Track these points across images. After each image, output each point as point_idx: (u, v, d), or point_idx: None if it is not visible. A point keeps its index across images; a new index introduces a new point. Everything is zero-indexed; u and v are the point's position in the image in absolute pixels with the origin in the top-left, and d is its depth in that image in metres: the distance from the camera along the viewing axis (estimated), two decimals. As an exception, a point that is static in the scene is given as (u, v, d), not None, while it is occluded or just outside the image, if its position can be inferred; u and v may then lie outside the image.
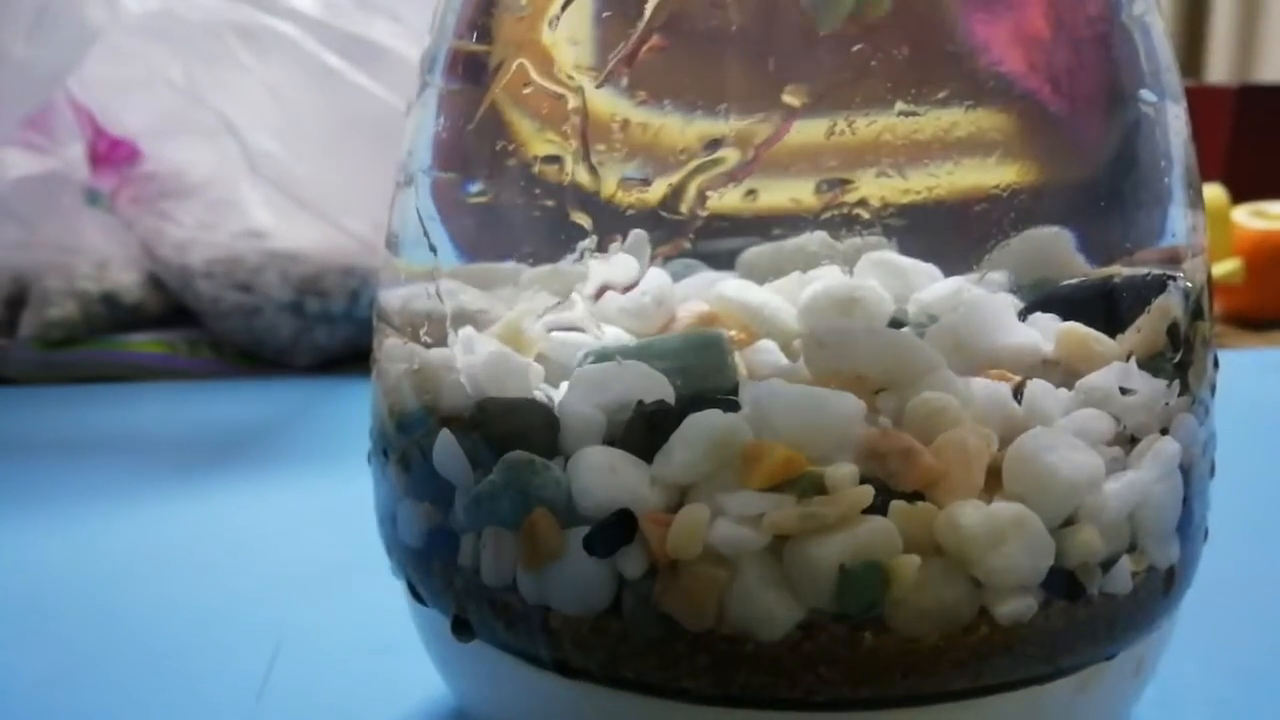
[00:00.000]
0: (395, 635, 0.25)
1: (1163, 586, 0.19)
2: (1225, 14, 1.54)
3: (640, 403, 0.18)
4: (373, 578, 0.24)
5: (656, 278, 0.21)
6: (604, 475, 0.18)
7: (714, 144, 0.18)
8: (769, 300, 0.21)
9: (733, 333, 0.20)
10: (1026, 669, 0.18)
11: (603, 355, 0.19)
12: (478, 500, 0.18)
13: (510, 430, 0.18)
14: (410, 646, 0.22)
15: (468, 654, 0.20)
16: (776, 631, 0.17)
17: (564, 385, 0.19)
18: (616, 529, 0.17)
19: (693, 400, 0.18)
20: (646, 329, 0.21)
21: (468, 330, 0.20)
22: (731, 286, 0.21)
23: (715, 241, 0.22)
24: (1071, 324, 0.19)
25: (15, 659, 0.27)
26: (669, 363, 0.19)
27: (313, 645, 0.27)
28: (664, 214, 0.19)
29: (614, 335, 0.21)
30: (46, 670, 0.27)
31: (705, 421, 0.17)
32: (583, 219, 0.19)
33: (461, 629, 0.20)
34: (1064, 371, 0.19)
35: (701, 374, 0.19)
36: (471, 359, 0.19)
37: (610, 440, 0.18)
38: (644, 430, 0.18)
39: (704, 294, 0.22)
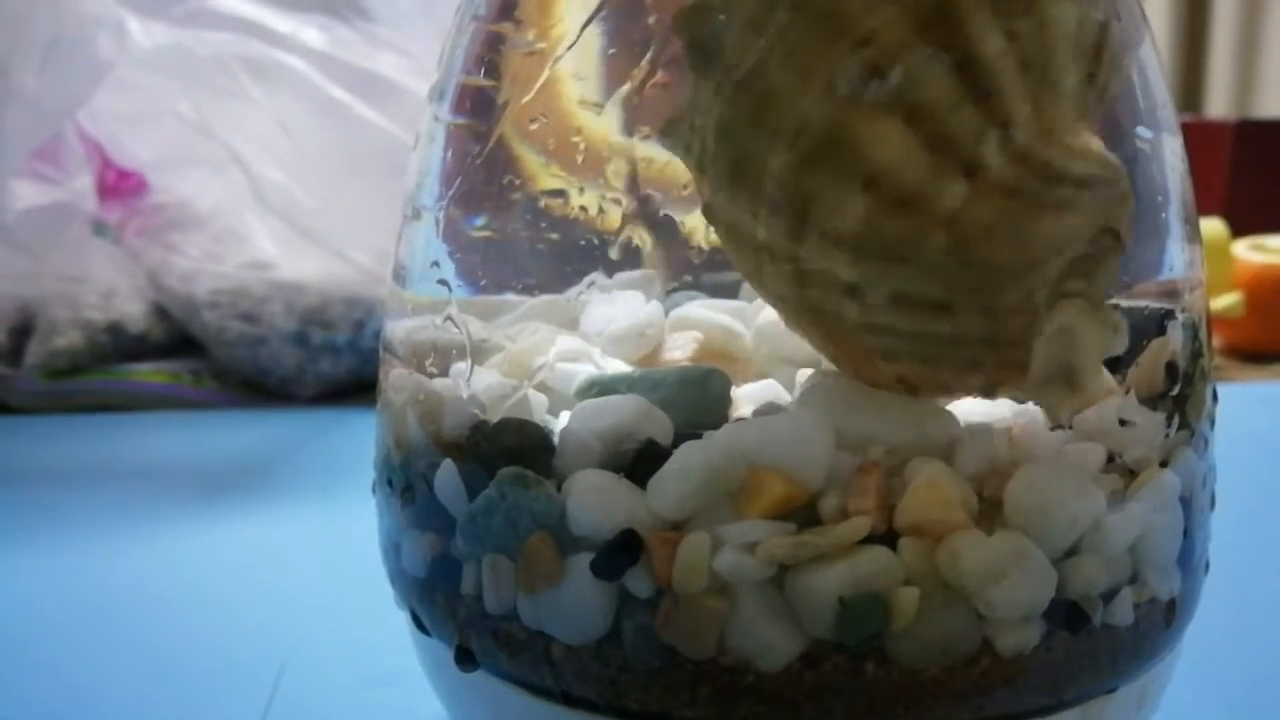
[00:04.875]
0: (398, 665, 0.25)
1: (1164, 618, 0.19)
2: (1224, 50, 1.55)
3: (651, 440, 0.18)
4: (375, 607, 0.24)
5: (646, 307, 0.21)
6: (600, 497, 0.18)
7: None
8: (731, 324, 0.21)
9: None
10: (1029, 701, 0.18)
11: (596, 384, 0.19)
12: (473, 518, 0.19)
13: (504, 449, 0.18)
14: (413, 677, 0.22)
15: (471, 684, 0.20)
16: (778, 662, 0.17)
17: (564, 415, 0.19)
18: (622, 551, 0.17)
19: (684, 434, 0.18)
20: (632, 356, 0.21)
21: (470, 361, 0.20)
22: (696, 308, 0.21)
23: (718, 274, 0.22)
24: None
25: (18, 687, 0.27)
26: (662, 394, 0.19)
27: (315, 675, 0.27)
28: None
29: (617, 368, 0.21)
30: (47, 699, 0.27)
31: (700, 454, 0.17)
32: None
33: (464, 659, 0.20)
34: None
35: (696, 408, 0.19)
36: (474, 389, 0.20)
37: (605, 468, 0.18)
38: (638, 460, 0.18)
39: (674, 319, 0.22)
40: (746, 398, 0.20)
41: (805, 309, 0.18)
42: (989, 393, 0.17)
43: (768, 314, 0.21)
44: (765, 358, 0.21)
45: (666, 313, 0.22)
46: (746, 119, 0.17)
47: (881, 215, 0.16)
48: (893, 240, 0.16)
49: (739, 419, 0.18)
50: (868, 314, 0.17)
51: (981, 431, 0.18)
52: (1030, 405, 0.19)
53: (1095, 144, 0.16)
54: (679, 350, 0.21)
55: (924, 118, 0.16)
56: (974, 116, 0.16)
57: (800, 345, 0.19)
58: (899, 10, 0.16)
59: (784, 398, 0.19)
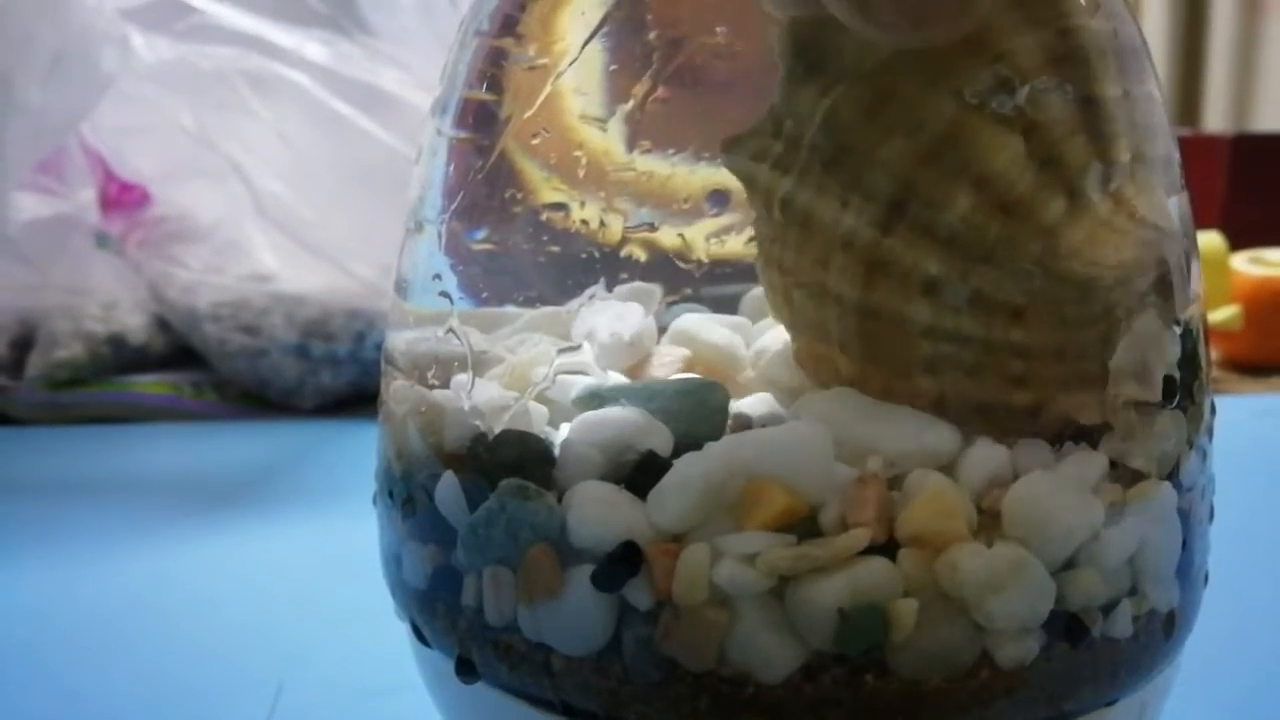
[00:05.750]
0: (398, 677, 0.25)
1: (1163, 630, 0.19)
2: (1221, 64, 1.56)
3: (651, 452, 0.18)
4: (376, 619, 0.24)
5: (636, 318, 0.22)
6: (600, 509, 0.18)
7: (717, 194, 0.19)
8: (727, 337, 0.21)
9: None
10: (1028, 713, 0.18)
11: (594, 395, 0.19)
12: (473, 529, 0.19)
13: (505, 461, 0.19)
14: (413, 689, 0.22)
15: (471, 696, 0.20)
16: (778, 674, 0.17)
17: (564, 427, 0.19)
18: (622, 563, 0.17)
19: (682, 446, 0.18)
20: (618, 366, 0.21)
21: (471, 373, 0.20)
22: (689, 322, 0.22)
23: (718, 286, 0.22)
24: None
25: (18, 700, 0.27)
26: (659, 404, 0.19)
27: (315, 686, 0.27)
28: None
29: (617, 379, 0.21)
30: (48, 711, 0.27)
31: (700, 466, 0.17)
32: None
33: (465, 670, 0.20)
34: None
35: (693, 420, 0.19)
36: (475, 401, 0.20)
37: (606, 479, 0.18)
38: (638, 472, 0.18)
39: (671, 332, 0.22)
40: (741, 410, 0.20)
41: (860, 313, 0.18)
42: (1033, 414, 0.18)
43: (770, 338, 0.21)
44: (753, 380, 0.21)
45: (665, 326, 0.22)
46: (862, 112, 0.17)
47: (984, 216, 0.17)
48: (991, 241, 0.17)
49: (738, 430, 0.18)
50: (938, 315, 0.17)
51: (981, 444, 0.18)
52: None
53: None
54: (663, 368, 0.21)
55: (1040, 137, 0.17)
56: (1085, 149, 0.17)
57: (795, 375, 0.19)
58: (1036, 41, 0.17)
59: (778, 410, 0.20)
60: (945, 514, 0.17)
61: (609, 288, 0.20)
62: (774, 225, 0.19)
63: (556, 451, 0.18)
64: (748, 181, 0.19)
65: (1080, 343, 0.18)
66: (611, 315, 0.21)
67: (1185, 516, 0.19)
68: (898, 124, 0.17)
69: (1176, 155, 0.20)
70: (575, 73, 0.19)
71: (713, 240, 0.20)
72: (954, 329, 0.17)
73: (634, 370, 0.22)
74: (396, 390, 0.22)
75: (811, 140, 0.18)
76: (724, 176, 0.19)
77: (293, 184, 0.56)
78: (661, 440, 0.18)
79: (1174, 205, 0.19)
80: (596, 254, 0.20)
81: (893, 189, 0.17)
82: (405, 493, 0.21)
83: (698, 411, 0.19)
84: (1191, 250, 0.20)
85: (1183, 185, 0.20)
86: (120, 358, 0.56)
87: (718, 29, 0.19)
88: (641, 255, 0.20)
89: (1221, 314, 0.60)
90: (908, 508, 0.17)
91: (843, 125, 0.18)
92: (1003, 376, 0.18)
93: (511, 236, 0.20)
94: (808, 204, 0.18)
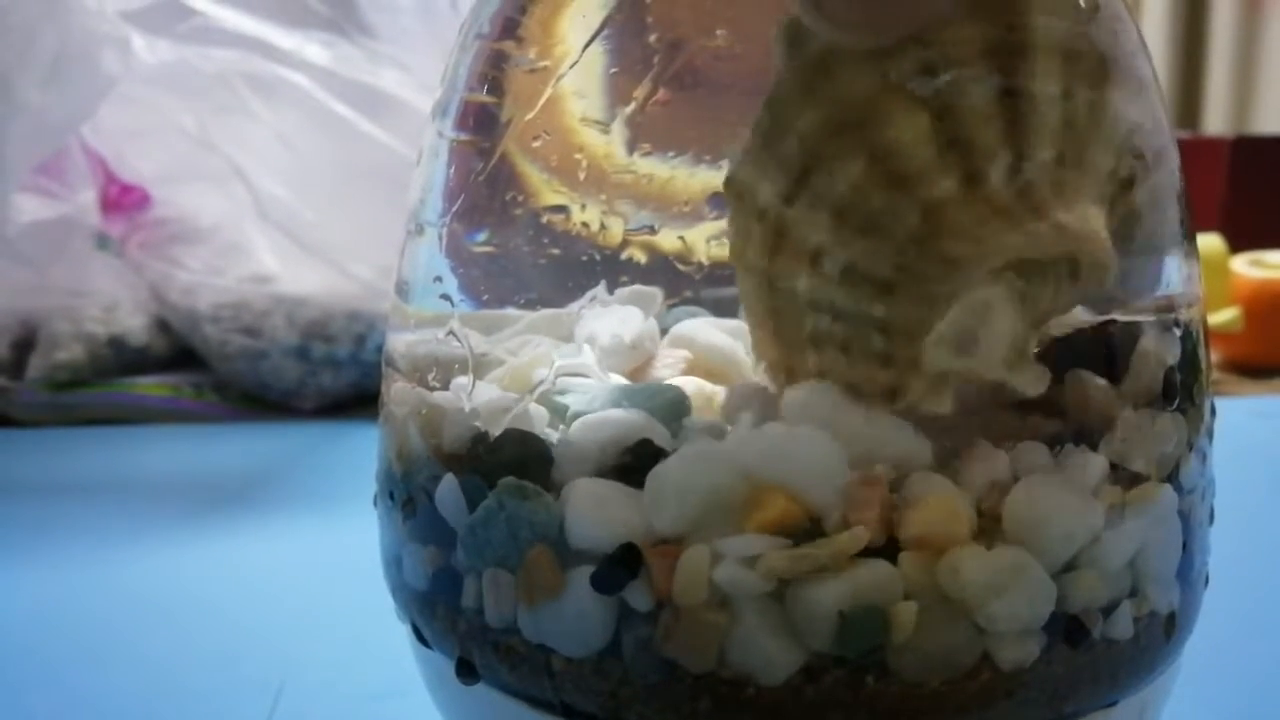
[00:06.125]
0: (399, 679, 0.25)
1: (1164, 632, 0.19)
2: (1221, 67, 1.56)
3: (643, 440, 0.18)
4: (377, 621, 0.24)
5: (637, 321, 0.22)
6: (600, 510, 0.18)
7: (717, 196, 0.19)
8: (727, 340, 0.21)
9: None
10: (1029, 715, 0.18)
11: (587, 406, 0.19)
12: (473, 529, 0.19)
13: (504, 461, 0.19)
14: (414, 691, 0.22)
15: (472, 697, 0.20)
16: (778, 676, 0.17)
17: (562, 428, 0.19)
18: (622, 564, 0.17)
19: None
20: (620, 370, 0.21)
21: (472, 375, 0.20)
22: (689, 327, 0.22)
23: (718, 289, 0.22)
24: (1072, 371, 0.20)
25: (18, 701, 0.27)
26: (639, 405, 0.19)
27: (316, 688, 0.27)
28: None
29: (617, 381, 0.21)
30: (48, 712, 0.27)
31: (701, 467, 0.17)
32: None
33: (465, 672, 0.20)
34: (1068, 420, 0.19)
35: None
36: (475, 402, 0.20)
37: (604, 478, 0.18)
38: (633, 458, 0.18)
39: (672, 335, 0.22)
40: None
41: (769, 285, 0.18)
42: (892, 395, 0.18)
43: None
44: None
45: (666, 329, 0.22)
46: (799, 88, 0.17)
47: (872, 186, 0.17)
48: (872, 211, 0.17)
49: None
50: (818, 287, 0.17)
51: (981, 446, 0.18)
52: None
53: (1098, 227, 0.17)
54: (667, 368, 0.21)
55: (953, 120, 0.17)
56: (996, 137, 0.17)
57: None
58: (976, 32, 0.17)
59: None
60: (946, 517, 0.17)
61: (610, 290, 0.20)
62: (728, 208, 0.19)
63: (555, 451, 0.19)
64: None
65: (937, 325, 0.17)
66: (614, 320, 0.21)
67: (1185, 518, 0.19)
68: (823, 98, 0.17)
69: (1170, 175, 0.19)
70: (576, 76, 0.19)
71: (713, 243, 0.20)
72: (829, 301, 0.17)
73: (636, 373, 0.22)
74: (397, 392, 0.22)
75: (758, 119, 0.18)
76: (724, 179, 0.19)
77: (293, 186, 0.56)
78: (662, 440, 0.18)
79: (1175, 216, 0.19)
80: (597, 256, 0.20)
81: (802, 160, 0.17)
82: (406, 494, 0.21)
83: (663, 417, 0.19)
84: (1149, 265, 0.20)
85: (1181, 197, 0.20)
86: (121, 359, 0.56)
87: (718, 32, 0.19)
88: (642, 258, 0.20)
89: (1221, 316, 0.60)
90: (909, 510, 0.17)
91: (781, 100, 0.18)
92: (868, 354, 0.18)
93: (512, 239, 0.20)
94: (744, 179, 0.18)
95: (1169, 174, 0.19)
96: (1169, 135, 0.20)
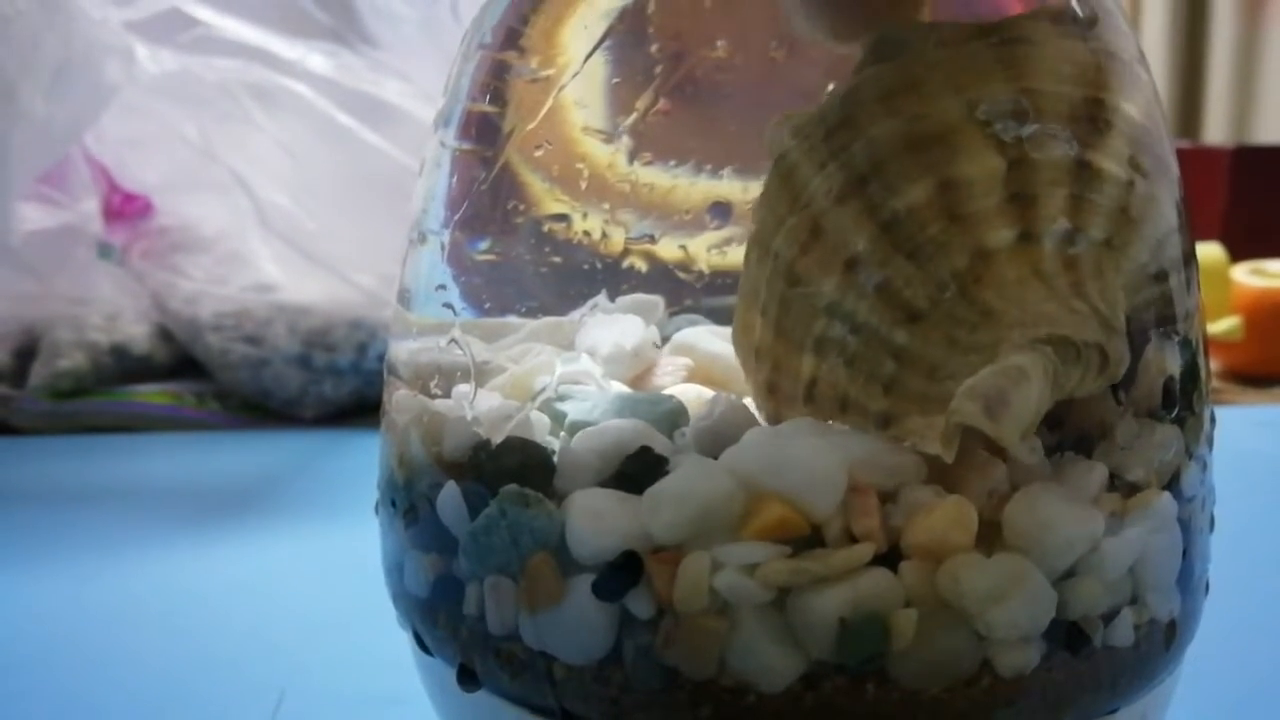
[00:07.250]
0: (400, 687, 0.25)
1: (1164, 639, 0.19)
2: (1221, 76, 1.56)
3: (644, 448, 0.18)
4: (378, 629, 0.24)
5: (638, 329, 0.22)
6: (600, 517, 0.18)
7: (718, 206, 0.19)
8: (727, 350, 0.21)
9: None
10: (1029, 722, 0.18)
11: (589, 414, 0.19)
12: (474, 537, 0.19)
13: (506, 469, 0.19)
14: (415, 698, 0.22)
15: (473, 704, 0.20)
16: (778, 683, 0.17)
17: (564, 436, 0.19)
18: (622, 571, 0.17)
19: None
20: (622, 376, 0.21)
21: (474, 382, 0.20)
22: (690, 335, 0.22)
23: (719, 297, 0.22)
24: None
25: (18, 709, 0.27)
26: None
27: (317, 696, 0.27)
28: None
29: (619, 389, 0.21)
30: (50, 719, 0.27)
31: (701, 475, 0.17)
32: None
33: (467, 679, 0.20)
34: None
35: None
36: (477, 410, 0.20)
37: (606, 487, 0.18)
38: (633, 467, 0.18)
39: (674, 343, 0.22)
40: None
41: (787, 277, 0.18)
42: (883, 421, 0.18)
43: None
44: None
45: (667, 337, 0.23)
46: (880, 93, 0.17)
47: (931, 214, 0.17)
48: (924, 239, 0.17)
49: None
50: (845, 294, 0.17)
51: (979, 454, 0.18)
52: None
53: (1120, 312, 0.17)
54: (669, 376, 0.22)
55: (1026, 173, 0.17)
56: (1061, 204, 0.17)
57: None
58: (1069, 95, 0.17)
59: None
60: (947, 525, 0.17)
61: (611, 298, 0.20)
62: (767, 184, 0.19)
63: (557, 459, 0.19)
64: (774, 154, 0.19)
65: (960, 366, 0.17)
66: (615, 328, 0.21)
67: (1186, 526, 0.19)
68: (903, 110, 0.17)
69: (1175, 264, 0.19)
70: (578, 86, 0.20)
71: (714, 251, 0.20)
72: (851, 311, 0.17)
73: (637, 381, 0.22)
74: (399, 400, 0.22)
75: (823, 109, 0.18)
76: (725, 189, 0.20)
77: (295, 195, 0.56)
78: (663, 449, 0.18)
79: (1187, 323, 0.19)
80: (598, 265, 0.20)
81: (866, 165, 0.17)
82: (407, 502, 0.21)
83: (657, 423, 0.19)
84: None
85: (1188, 264, 0.20)
86: (123, 368, 0.56)
87: (719, 42, 0.20)
88: (643, 266, 0.20)
89: (1222, 325, 0.60)
90: (910, 519, 0.17)
91: (857, 100, 0.18)
92: (873, 375, 0.17)
93: (514, 247, 0.20)
94: (795, 162, 0.18)
95: (1169, 183, 0.19)
96: (1169, 144, 0.20)
